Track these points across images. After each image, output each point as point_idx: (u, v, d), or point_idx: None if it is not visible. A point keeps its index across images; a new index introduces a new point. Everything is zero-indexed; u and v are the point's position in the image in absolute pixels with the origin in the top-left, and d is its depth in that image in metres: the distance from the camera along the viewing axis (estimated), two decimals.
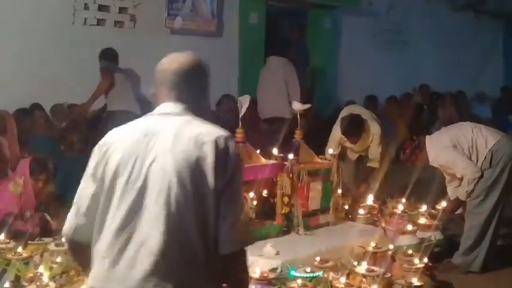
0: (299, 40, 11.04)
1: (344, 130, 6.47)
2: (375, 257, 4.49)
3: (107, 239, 2.32)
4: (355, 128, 6.49)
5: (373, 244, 4.63)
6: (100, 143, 2.50)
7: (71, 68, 8.26)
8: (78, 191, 2.52)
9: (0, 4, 7.73)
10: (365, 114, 6.78)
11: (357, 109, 7.09)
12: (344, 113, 6.83)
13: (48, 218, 5.66)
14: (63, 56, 8.23)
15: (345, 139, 6.57)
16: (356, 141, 6.55)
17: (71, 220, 2.49)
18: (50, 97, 8.00)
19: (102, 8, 8.70)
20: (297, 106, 5.34)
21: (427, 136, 5.82)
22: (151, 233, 2.25)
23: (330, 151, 5.66)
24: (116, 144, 2.43)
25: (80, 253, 2.47)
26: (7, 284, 3.83)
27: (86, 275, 2.44)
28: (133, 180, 2.33)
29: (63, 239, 4.26)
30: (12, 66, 7.80)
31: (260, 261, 4.17)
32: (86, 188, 2.49)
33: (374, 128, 6.63)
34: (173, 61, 2.62)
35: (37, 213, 5.61)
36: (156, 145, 2.37)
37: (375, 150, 6.66)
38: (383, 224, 5.38)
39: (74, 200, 2.52)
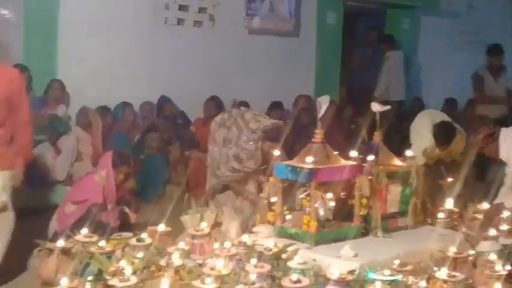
0: (375, 41, 10.96)
1: (438, 139, 6.28)
2: (456, 263, 4.39)
3: None
4: (449, 137, 6.32)
5: (453, 249, 4.53)
6: None
7: (151, 67, 8.42)
8: None
9: (83, 5, 7.93)
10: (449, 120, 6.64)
11: (438, 115, 6.91)
12: (428, 118, 6.66)
13: (128, 211, 5.80)
14: (145, 55, 8.40)
15: (433, 146, 6.38)
16: (446, 149, 6.38)
17: None
18: (132, 95, 8.17)
19: (182, 7, 8.85)
20: (376, 107, 5.27)
21: (503, 128, 5.65)
22: None
23: (409, 153, 5.57)
24: None
25: None
26: (90, 277, 3.94)
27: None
28: None
29: (143, 235, 4.35)
30: (95, 65, 8.01)
31: (338, 262, 4.15)
32: None
33: (461, 136, 6.46)
34: None
35: (117, 206, 5.74)
36: None
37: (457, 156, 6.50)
38: (463, 229, 5.27)
39: None
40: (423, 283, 3.98)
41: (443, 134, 6.34)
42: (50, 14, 7.79)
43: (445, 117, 6.74)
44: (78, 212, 5.45)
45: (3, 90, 4.69)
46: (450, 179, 6.31)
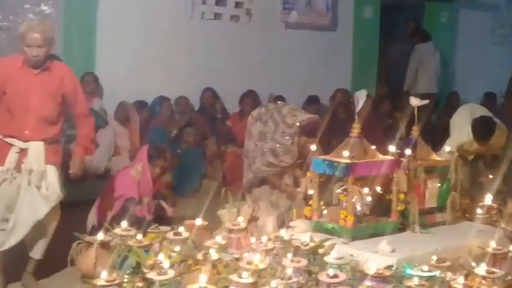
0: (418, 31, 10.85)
1: (477, 134, 6.18)
2: (495, 259, 4.34)
3: None
4: (488, 132, 6.20)
5: (493, 245, 4.48)
6: None
7: (188, 61, 8.46)
8: None
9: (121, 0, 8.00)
10: (489, 114, 6.53)
11: (478, 109, 6.80)
12: (467, 112, 6.56)
13: (164, 205, 5.83)
14: (182, 50, 8.43)
15: (472, 141, 6.28)
16: (485, 144, 6.28)
17: None
18: (169, 90, 8.22)
19: (219, 2, 8.86)
20: (414, 102, 5.23)
21: None
22: None
23: (448, 148, 5.52)
24: None
25: None
26: (129, 270, 3.98)
27: None
28: None
29: (180, 228, 4.38)
30: (132, 59, 8.06)
31: (375, 257, 4.14)
32: None
33: (502, 131, 6.35)
34: None
35: (154, 200, 5.77)
36: None
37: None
38: (502, 225, 5.20)
39: None
40: (461, 279, 3.94)
41: (482, 129, 6.23)
42: (89, 9, 7.86)
43: (485, 112, 6.62)
44: (115, 207, 5.50)
45: (57, 88, 4.78)
46: (490, 176, 6.23)
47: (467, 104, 7.55)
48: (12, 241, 4.73)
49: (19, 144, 4.68)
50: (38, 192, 4.70)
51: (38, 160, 4.69)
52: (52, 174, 4.75)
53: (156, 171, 5.79)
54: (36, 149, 4.69)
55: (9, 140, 4.68)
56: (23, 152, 4.68)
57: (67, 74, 4.89)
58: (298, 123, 5.33)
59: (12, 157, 4.67)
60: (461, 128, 6.44)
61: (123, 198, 5.51)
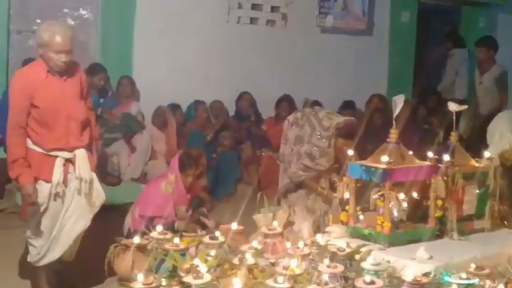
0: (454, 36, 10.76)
1: None
2: None
3: None
4: None
5: None
6: None
7: (223, 66, 8.49)
8: None
9: (158, 5, 8.05)
10: None
11: None
12: (506, 120, 6.47)
13: (206, 221, 5.75)
14: (218, 54, 8.47)
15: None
16: None
17: None
18: (204, 93, 8.25)
19: (255, 6, 8.89)
20: (453, 107, 5.18)
21: None
22: None
23: (487, 154, 5.45)
24: None
25: None
26: (165, 273, 3.99)
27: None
28: None
29: (216, 233, 4.38)
30: (169, 63, 8.13)
31: (413, 264, 4.09)
32: None
33: None
34: None
35: (195, 211, 5.71)
36: None
37: None
38: None
39: None
40: (501, 287, 3.89)
41: None
42: (126, 15, 7.95)
43: None
44: (141, 223, 5.47)
45: (81, 90, 4.74)
46: None
47: (506, 111, 7.44)
48: (56, 254, 4.74)
49: (65, 155, 4.61)
50: (85, 201, 4.70)
51: (85, 168, 4.66)
52: (96, 180, 4.77)
53: (189, 180, 5.75)
54: (82, 156, 4.66)
55: (55, 153, 4.60)
56: (68, 162, 4.64)
57: (82, 72, 4.84)
58: (334, 125, 5.33)
59: (59, 170, 4.60)
60: (502, 135, 6.37)
61: (148, 216, 5.47)
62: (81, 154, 4.67)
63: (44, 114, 4.55)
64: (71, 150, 4.63)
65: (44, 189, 4.61)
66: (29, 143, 4.58)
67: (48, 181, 4.60)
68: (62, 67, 4.55)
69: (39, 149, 4.59)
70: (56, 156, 4.61)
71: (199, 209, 5.77)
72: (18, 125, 4.53)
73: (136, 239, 4.35)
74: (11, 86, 4.68)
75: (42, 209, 4.64)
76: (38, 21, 7.79)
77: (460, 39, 10.79)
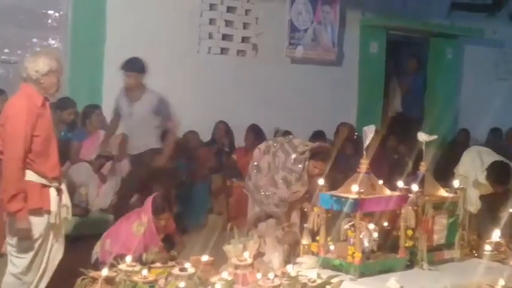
0: (417, 69, 10.94)
1: (493, 179, 6.24)
2: None
3: None
4: (506, 178, 6.25)
5: (502, 283, 4.43)
6: None
7: (194, 96, 8.48)
8: None
9: (128, 36, 8.02)
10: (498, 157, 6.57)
11: (486, 153, 6.80)
12: (476, 155, 6.58)
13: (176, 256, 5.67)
14: (188, 84, 8.46)
15: (487, 184, 6.32)
16: (502, 188, 6.29)
17: None
18: None
19: (225, 37, 8.92)
20: (423, 137, 5.21)
21: None
22: None
23: (456, 184, 5.49)
24: None
25: None
26: None
27: None
28: None
29: (186, 264, 4.33)
30: None
31: None
32: None
33: None
34: None
35: (165, 254, 5.62)
36: None
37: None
38: (511, 262, 5.15)
39: None
40: None
41: (499, 174, 6.28)
42: (96, 44, 7.91)
43: (494, 155, 6.66)
44: (107, 260, 5.38)
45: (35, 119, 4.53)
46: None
47: (471, 148, 7.46)
48: (43, 285, 4.68)
49: (56, 184, 4.59)
50: (62, 229, 4.71)
51: (67, 195, 4.69)
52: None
53: (162, 223, 5.67)
54: (65, 184, 4.70)
55: (53, 183, 4.56)
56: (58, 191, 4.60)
57: None
58: (309, 148, 5.40)
59: (55, 200, 4.56)
60: (472, 173, 6.46)
61: (116, 252, 5.37)
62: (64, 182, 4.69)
63: (43, 142, 4.49)
64: (58, 178, 4.61)
65: (38, 222, 4.52)
66: (29, 175, 4.47)
67: (45, 213, 4.52)
68: (54, 93, 4.62)
69: (42, 180, 4.51)
70: (50, 186, 4.55)
71: (171, 252, 5.67)
72: (22, 156, 4.40)
73: (105, 271, 4.28)
74: (13, 115, 4.46)
75: (37, 244, 4.56)
76: (6, 50, 7.75)
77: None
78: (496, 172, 6.31)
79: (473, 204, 6.37)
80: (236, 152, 8.67)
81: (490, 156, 6.66)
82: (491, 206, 6.57)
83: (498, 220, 6.05)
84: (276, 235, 5.29)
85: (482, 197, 6.63)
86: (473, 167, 6.60)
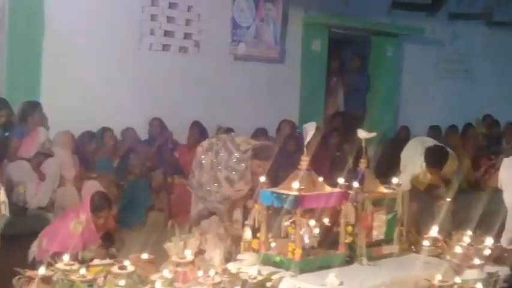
0: (360, 67, 11.07)
1: (430, 162, 6.33)
2: None
3: None
4: (441, 160, 6.36)
5: (439, 277, 4.51)
6: None
7: (135, 92, 8.39)
8: None
9: (67, 31, 7.88)
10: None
11: (429, 141, 6.93)
12: (419, 144, 6.68)
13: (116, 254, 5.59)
14: (129, 80, 8.37)
15: (426, 171, 6.41)
16: (438, 173, 6.41)
17: None
18: (116, 120, 8.12)
19: (167, 33, 8.84)
20: (363, 134, 5.26)
21: (505, 158, 5.70)
22: None
23: (395, 180, 5.56)
24: None
25: None
26: None
27: None
28: None
29: (125, 262, 4.28)
30: (80, 90, 7.96)
31: None
32: None
33: (453, 161, 6.49)
34: None
35: (104, 250, 5.55)
36: None
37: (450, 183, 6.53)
38: (448, 257, 5.24)
39: None
40: None
41: (435, 157, 6.40)
42: (33, 40, 7.73)
43: (436, 143, 6.79)
44: (44, 258, 5.29)
45: None
46: (448, 199, 6.30)
47: (416, 138, 7.66)
48: None
49: None
50: None
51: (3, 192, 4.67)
52: None
53: (100, 221, 5.61)
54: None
55: None
56: None
57: None
58: (252, 147, 5.38)
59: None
60: (414, 161, 6.56)
61: (52, 251, 5.29)
62: None
63: None
64: None
65: None
66: None
67: None
68: None
69: None
70: None
71: (109, 249, 5.60)
72: None
73: (42, 270, 4.20)
74: None
75: None
76: None
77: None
78: (432, 155, 6.42)
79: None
80: (178, 149, 8.62)
81: (432, 142, 6.79)
82: (429, 202, 6.71)
83: (436, 215, 6.18)
84: (217, 233, 5.28)
85: (420, 193, 6.76)
86: (415, 154, 6.69)
